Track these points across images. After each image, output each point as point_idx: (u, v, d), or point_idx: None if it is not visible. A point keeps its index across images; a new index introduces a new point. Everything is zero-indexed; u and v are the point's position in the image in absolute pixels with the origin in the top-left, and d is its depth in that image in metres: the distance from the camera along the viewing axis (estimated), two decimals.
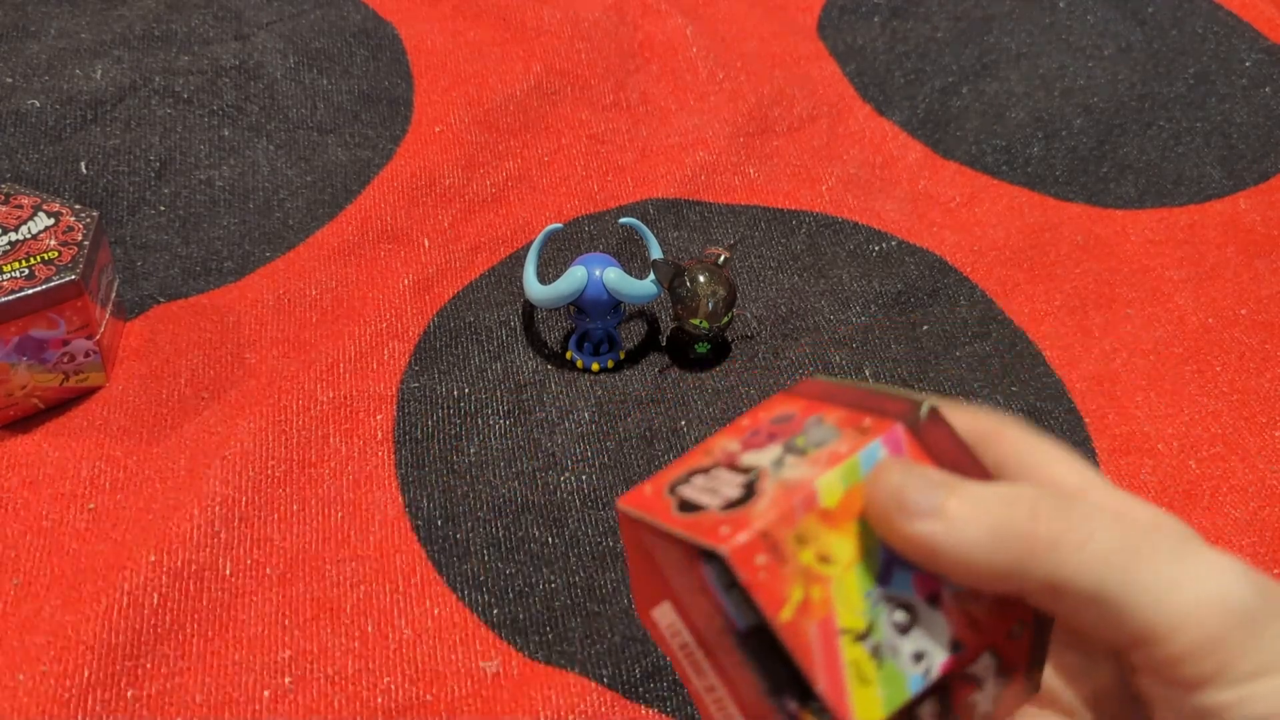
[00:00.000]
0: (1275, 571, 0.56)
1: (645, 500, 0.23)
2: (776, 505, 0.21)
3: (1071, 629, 0.23)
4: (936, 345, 0.65)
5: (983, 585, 0.21)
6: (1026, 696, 0.23)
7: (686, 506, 0.22)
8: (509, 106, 0.78)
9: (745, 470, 0.22)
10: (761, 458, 0.22)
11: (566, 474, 0.57)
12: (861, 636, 0.20)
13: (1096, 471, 0.24)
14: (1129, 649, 0.21)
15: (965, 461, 0.22)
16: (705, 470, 0.23)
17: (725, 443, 0.24)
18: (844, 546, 0.21)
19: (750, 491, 0.21)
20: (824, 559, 0.20)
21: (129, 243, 0.68)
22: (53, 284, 0.54)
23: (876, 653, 0.20)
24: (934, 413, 0.22)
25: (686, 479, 0.23)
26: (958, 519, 0.21)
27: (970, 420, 0.25)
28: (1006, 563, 0.21)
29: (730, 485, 0.22)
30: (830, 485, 0.21)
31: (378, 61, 0.83)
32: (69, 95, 0.75)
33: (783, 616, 0.20)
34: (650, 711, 0.48)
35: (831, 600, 0.20)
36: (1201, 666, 0.20)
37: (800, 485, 0.21)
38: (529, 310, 0.65)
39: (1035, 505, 0.21)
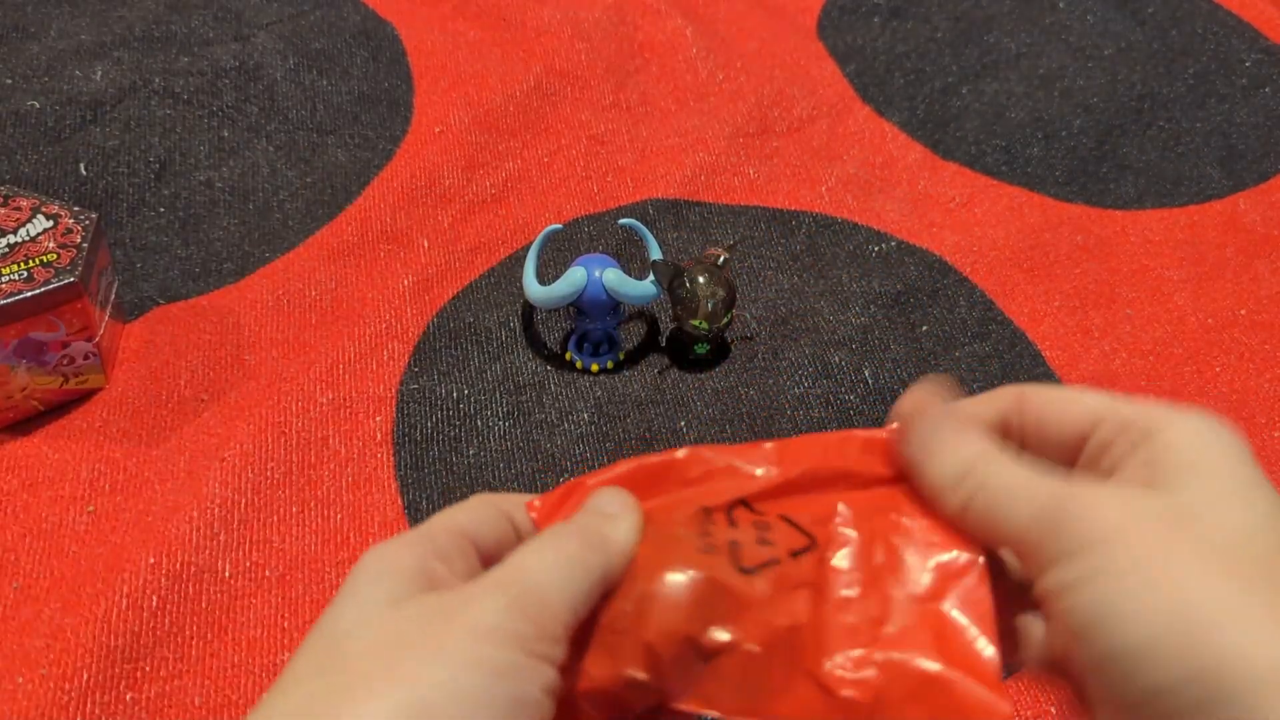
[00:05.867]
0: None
1: None
2: None
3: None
4: (936, 345, 0.65)
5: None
6: None
7: None
8: (509, 106, 0.78)
9: None
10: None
11: (566, 475, 0.57)
12: None
13: (1110, 394, 0.27)
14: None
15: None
16: None
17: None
18: None
19: None
20: None
21: (128, 244, 0.68)
22: (52, 286, 0.54)
23: None
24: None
25: None
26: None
27: (993, 401, 0.29)
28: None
29: None
30: None
31: (377, 62, 0.83)
32: (69, 96, 0.75)
33: None
34: None
35: None
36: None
37: None
38: (529, 311, 0.65)
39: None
